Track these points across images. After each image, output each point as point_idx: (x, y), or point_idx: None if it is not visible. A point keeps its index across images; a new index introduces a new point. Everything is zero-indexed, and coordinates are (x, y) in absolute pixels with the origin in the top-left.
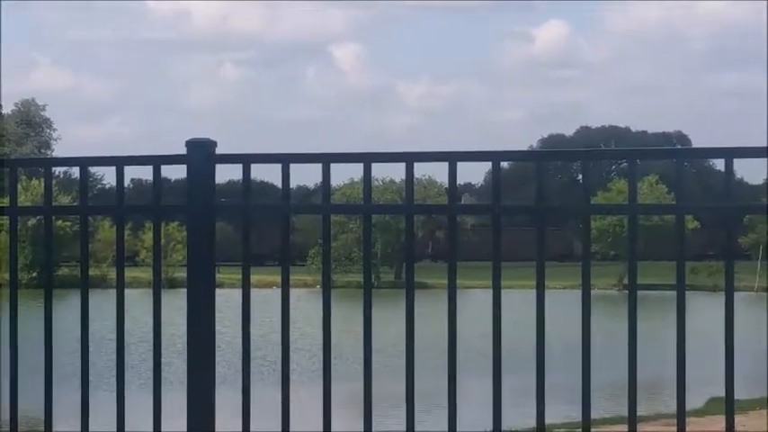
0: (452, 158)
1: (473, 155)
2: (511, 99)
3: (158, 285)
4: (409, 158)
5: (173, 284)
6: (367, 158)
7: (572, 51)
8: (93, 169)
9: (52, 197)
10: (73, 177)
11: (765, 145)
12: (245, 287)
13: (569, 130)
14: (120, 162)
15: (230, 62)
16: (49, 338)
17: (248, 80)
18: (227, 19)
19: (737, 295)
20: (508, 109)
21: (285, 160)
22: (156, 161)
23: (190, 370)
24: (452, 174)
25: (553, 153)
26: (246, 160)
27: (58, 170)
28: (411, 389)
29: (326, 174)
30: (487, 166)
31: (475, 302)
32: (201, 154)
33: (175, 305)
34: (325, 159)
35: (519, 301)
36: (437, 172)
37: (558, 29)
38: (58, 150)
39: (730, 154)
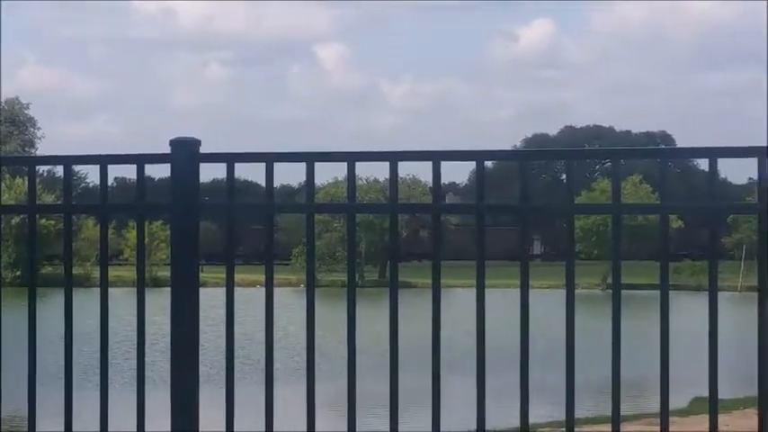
0: (436, 158)
1: (457, 154)
2: (496, 98)
3: (142, 284)
4: (393, 158)
5: (156, 283)
6: (351, 158)
7: (557, 51)
8: (77, 168)
9: (36, 196)
10: (57, 176)
11: (749, 145)
12: (229, 286)
13: (554, 130)
14: (103, 161)
15: (215, 61)
16: (32, 337)
17: (233, 79)
18: (212, 18)
19: (721, 295)
20: (493, 108)
21: (269, 159)
22: (140, 160)
23: (173, 369)
24: (436, 173)
25: (537, 152)
26: (230, 159)
27: (42, 169)
28: (395, 388)
29: (311, 173)
30: (471, 165)
31: (459, 302)
32: (185, 153)
33: (159, 304)
34: (309, 158)
35: (502, 300)
36: (421, 171)
37: (543, 28)
38: (43, 149)
39: (714, 154)
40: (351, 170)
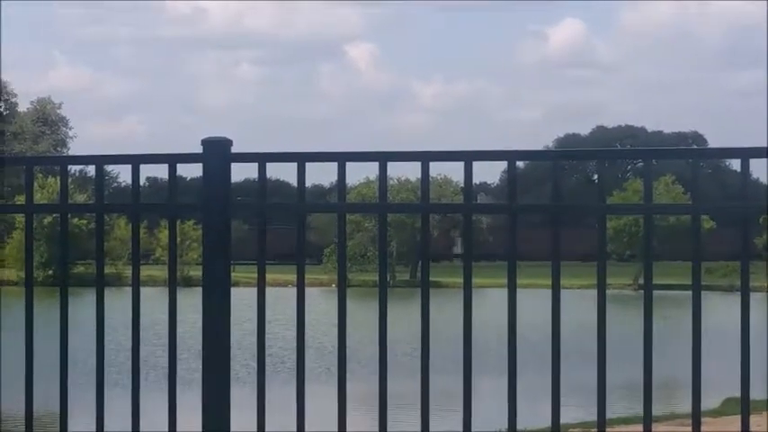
0: (468, 158)
1: (488, 154)
2: (526, 98)
3: (174, 283)
4: (425, 158)
5: (188, 283)
6: (382, 157)
7: (587, 50)
8: (108, 167)
9: (68, 195)
10: (89, 175)
11: None
12: (261, 286)
13: (585, 130)
14: (135, 160)
15: (246, 60)
16: (64, 336)
17: (264, 79)
18: (242, 17)
19: (753, 295)
20: (524, 108)
21: (300, 159)
22: (172, 160)
23: (205, 368)
24: (468, 173)
25: (569, 153)
26: (262, 159)
27: (73, 168)
28: (426, 388)
29: (342, 173)
30: (503, 165)
31: (490, 302)
32: (217, 153)
33: (191, 303)
34: (341, 158)
35: (535, 300)
36: (453, 171)
37: (573, 28)
38: (74, 148)
39: (746, 154)
40: (382, 170)
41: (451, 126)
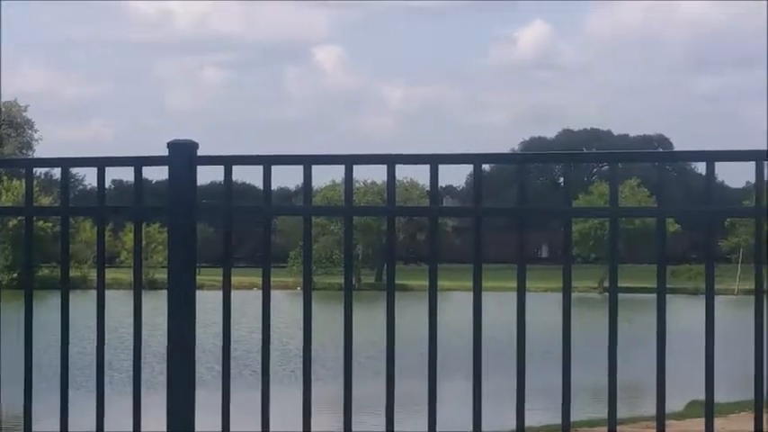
0: (434, 161)
1: (454, 157)
2: (493, 101)
3: (139, 286)
4: (391, 160)
5: (153, 286)
6: (348, 160)
7: (554, 53)
8: (74, 170)
9: (33, 198)
10: (54, 178)
11: (746, 148)
12: (226, 289)
13: (551, 133)
14: (101, 163)
15: (212, 64)
16: (29, 339)
17: (230, 82)
18: (208, 20)
19: (718, 298)
20: (490, 111)
21: (266, 162)
22: (138, 162)
23: (170, 371)
24: (434, 176)
25: (535, 155)
26: (228, 162)
27: (39, 171)
28: (392, 390)
29: (308, 175)
30: (469, 168)
31: (455, 304)
32: (183, 155)
33: (156, 306)
34: (307, 161)
35: (499, 303)
36: (419, 174)
37: (540, 30)
38: (40, 151)
39: (712, 157)
40: (348, 173)
41: (418, 129)
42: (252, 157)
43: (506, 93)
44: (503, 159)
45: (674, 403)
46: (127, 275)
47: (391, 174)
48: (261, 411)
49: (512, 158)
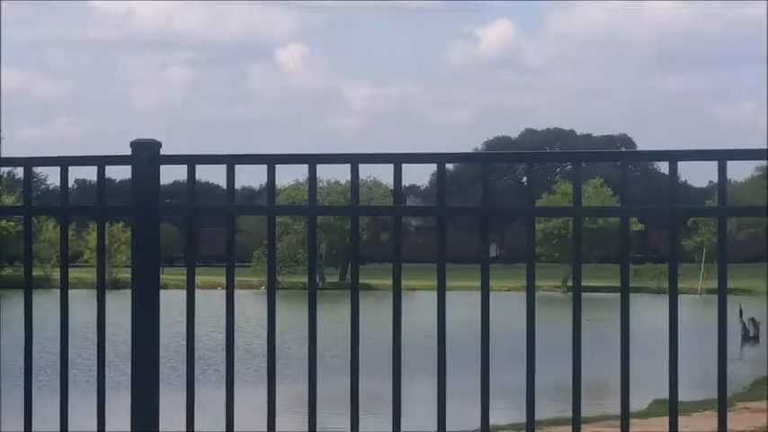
0: (397, 160)
1: (418, 156)
2: (457, 100)
3: (102, 286)
4: (354, 160)
5: (117, 285)
6: (312, 160)
7: (518, 53)
8: (37, 169)
9: None
10: (17, 177)
11: (709, 148)
12: (190, 288)
13: (515, 132)
14: (64, 162)
15: (176, 62)
16: None
17: (194, 80)
18: (172, 19)
19: (681, 297)
20: (454, 110)
21: (230, 161)
22: (101, 162)
23: (134, 370)
24: (397, 175)
25: (499, 155)
26: (191, 161)
27: (2, 170)
28: (355, 390)
29: (271, 175)
30: (432, 167)
31: (419, 304)
32: (146, 155)
33: (119, 306)
34: (270, 161)
35: (463, 302)
36: (383, 174)
37: (505, 31)
38: (5, 151)
39: (675, 157)
40: (312, 172)
41: (382, 128)
42: (215, 156)
43: (471, 92)
44: (466, 159)
45: (637, 402)
46: (90, 275)
47: (355, 173)
48: (225, 410)
49: (476, 158)
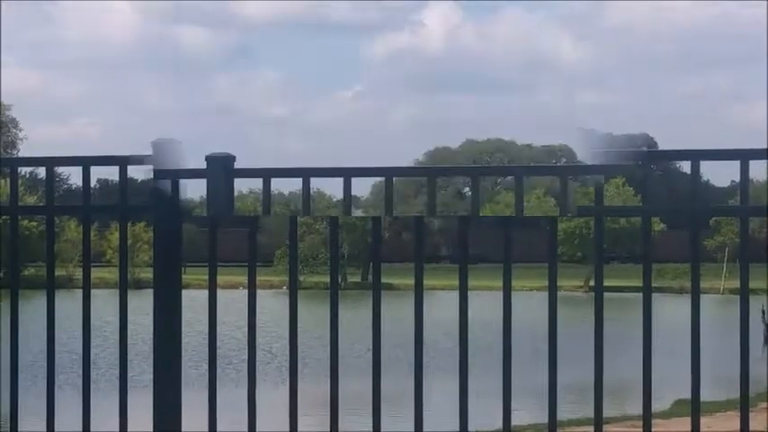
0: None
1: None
2: (397, 110)
3: (124, 285)
4: (306, 174)
5: (139, 285)
6: (266, 173)
7: (457, 60)
8: (59, 169)
9: (18, 197)
10: (39, 177)
11: (732, 148)
12: (212, 288)
13: (455, 143)
14: (86, 162)
15: None
16: (14, 339)
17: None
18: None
19: (703, 297)
20: (393, 120)
21: (305, 174)
22: (122, 161)
23: (156, 370)
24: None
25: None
26: (266, 174)
27: (24, 170)
28: (378, 389)
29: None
30: (373, 179)
31: (442, 303)
32: (221, 168)
33: (141, 306)
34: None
35: (487, 302)
36: (325, 185)
37: (444, 32)
38: (25, 150)
39: (696, 156)
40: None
41: (326, 139)
42: (290, 169)
43: (411, 102)
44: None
45: (660, 402)
46: (112, 274)
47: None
48: (247, 409)
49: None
